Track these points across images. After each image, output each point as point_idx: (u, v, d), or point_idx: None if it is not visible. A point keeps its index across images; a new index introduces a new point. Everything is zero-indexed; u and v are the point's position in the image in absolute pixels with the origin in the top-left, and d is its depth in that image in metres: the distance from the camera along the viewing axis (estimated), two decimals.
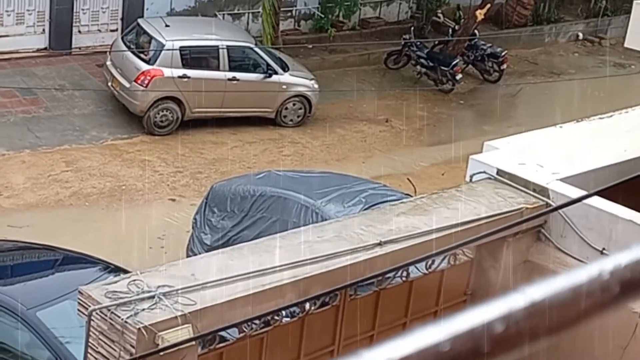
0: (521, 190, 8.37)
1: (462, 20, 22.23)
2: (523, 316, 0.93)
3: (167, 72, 16.66)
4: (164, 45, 16.69)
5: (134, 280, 6.31)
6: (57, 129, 16.44)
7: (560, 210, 8.09)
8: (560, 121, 10.09)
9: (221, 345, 6.86)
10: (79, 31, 18.98)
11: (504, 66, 21.22)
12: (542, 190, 8.33)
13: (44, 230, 13.14)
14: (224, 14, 20.29)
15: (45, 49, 18.65)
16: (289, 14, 20.97)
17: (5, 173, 14.94)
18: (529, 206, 8.16)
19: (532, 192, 8.35)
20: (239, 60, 17.38)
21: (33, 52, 18.48)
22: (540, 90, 20.98)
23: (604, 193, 7.18)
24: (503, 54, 21.11)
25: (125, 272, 8.56)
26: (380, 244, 7.21)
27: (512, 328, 0.92)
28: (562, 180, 8.45)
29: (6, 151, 15.56)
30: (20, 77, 17.68)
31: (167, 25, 17.15)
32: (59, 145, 15.99)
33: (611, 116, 10.20)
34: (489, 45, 21.30)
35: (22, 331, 9.01)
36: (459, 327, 0.90)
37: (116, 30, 19.17)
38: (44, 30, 18.68)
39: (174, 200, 14.94)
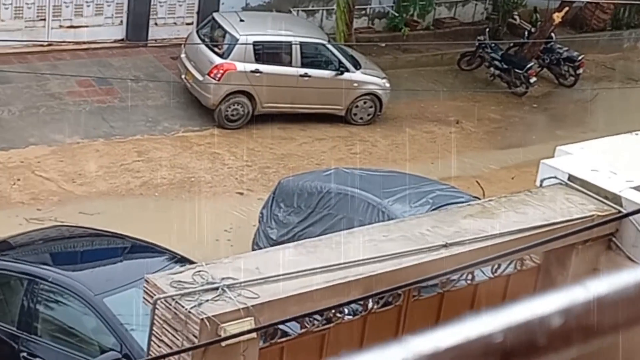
0: (593, 197, 8.24)
1: (539, 22, 21.93)
2: (581, 311, 0.91)
3: (240, 66, 16.77)
4: (237, 40, 16.80)
5: (199, 271, 6.37)
6: (131, 119, 16.67)
7: (632, 219, 7.94)
8: (636, 128, 9.90)
9: (283, 339, 6.88)
10: (156, 23, 19.22)
11: (580, 70, 20.87)
12: (615, 198, 8.18)
13: (114, 218, 13.35)
14: (298, 10, 20.35)
15: (122, 40, 18.94)
16: (363, 12, 20.93)
17: (79, 161, 15.21)
18: (600, 213, 8.03)
19: (604, 200, 8.21)
20: (312, 57, 17.42)
21: (110, 42, 18.77)
22: (617, 97, 20.60)
23: None
24: (580, 58, 20.78)
25: (191, 262, 8.65)
26: (446, 246, 7.16)
27: (568, 323, 0.90)
28: (635, 188, 8.29)
29: (81, 139, 15.84)
30: (97, 67, 17.98)
31: (241, 20, 17.26)
32: (131, 135, 16.22)
33: None
34: (566, 49, 20.98)
35: (89, 316, 9.17)
36: (507, 320, 0.88)
37: (191, 23, 19.36)
38: (121, 21, 18.96)
39: (241, 193, 15.04)
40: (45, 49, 18.02)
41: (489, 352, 0.83)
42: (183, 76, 17.40)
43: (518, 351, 0.86)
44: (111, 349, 8.89)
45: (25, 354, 9.28)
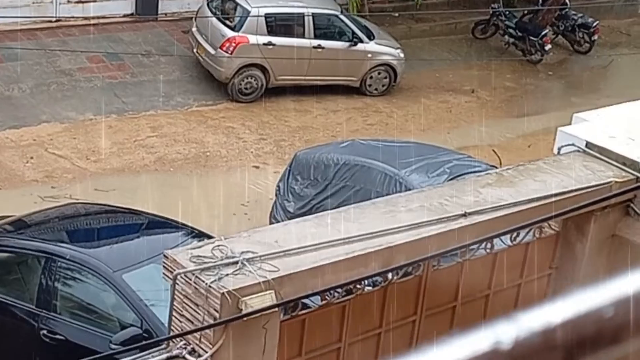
0: (611, 164, 8.18)
1: None
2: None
3: (252, 39, 16.70)
4: (249, 12, 16.73)
5: (218, 245, 6.36)
6: (143, 95, 16.65)
7: None
8: None
9: (303, 312, 6.88)
10: None
11: (595, 37, 20.71)
12: (633, 164, 8.12)
13: (129, 194, 13.37)
14: None
15: (132, 14, 18.86)
16: None
17: (92, 137, 15.22)
18: (618, 180, 7.97)
19: (622, 166, 8.14)
20: (324, 28, 17.32)
21: (120, 17, 18.71)
22: (633, 62, 20.44)
23: None
24: (594, 24, 20.60)
25: (209, 237, 8.65)
26: (465, 215, 7.12)
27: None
28: None
29: (93, 116, 15.84)
30: (107, 42, 17.93)
31: None
32: (144, 111, 16.20)
33: None
34: (580, 15, 20.81)
35: (108, 293, 9.19)
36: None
37: None
38: None
39: (257, 167, 15.03)
40: (54, 24, 17.97)
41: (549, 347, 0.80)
42: (195, 50, 17.34)
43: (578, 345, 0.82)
44: (131, 325, 8.92)
45: (45, 332, 9.32)
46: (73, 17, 18.17)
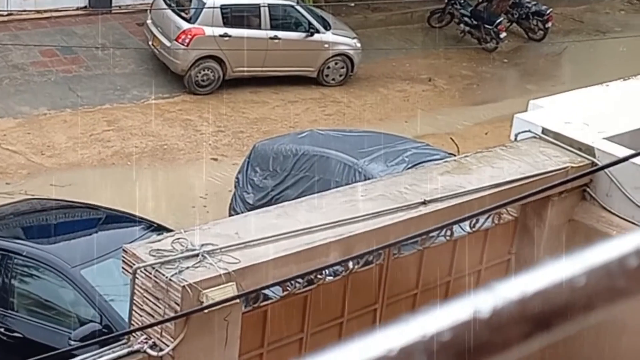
0: (566, 149, 8.27)
1: None
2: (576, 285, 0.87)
3: (208, 30, 16.60)
4: (204, 3, 16.62)
5: (178, 238, 6.32)
6: (98, 88, 16.49)
7: (606, 169, 7.97)
8: (606, 80, 9.91)
9: (265, 303, 6.87)
10: None
11: (549, 24, 20.88)
12: (588, 149, 8.21)
13: (86, 189, 13.24)
14: None
15: (85, 7, 18.66)
16: None
17: (47, 132, 15.04)
18: (574, 165, 8.06)
19: (577, 151, 8.24)
20: (281, 19, 17.27)
21: (73, 10, 18.49)
22: (586, 49, 20.64)
23: None
24: (548, 11, 20.77)
25: (169, 230, 8.59)
26: (424, 203, 7.15)
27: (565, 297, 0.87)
28: (608, 139, 8.32)
29: (48, 110, 15.65)
30: (61, 35, 17.72)
31: None
32: (100, 105, 16.04)
33: None
34: (534, 3, 20.96)
35: (66, 289, 9.10)
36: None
37: None
38: None
39: (216, 159, 14.96)
40: (6, 18, 17.71)
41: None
42: (150, 43, 17.20)
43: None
44: (91, 321, 8.84)
45: (2, 330, 9.21)
46: (25, 11, 17.93)
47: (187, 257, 6.15)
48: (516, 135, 8.59)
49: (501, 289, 0.83)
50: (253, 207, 11.06)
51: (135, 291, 6.31)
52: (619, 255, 0.86)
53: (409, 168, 10.30)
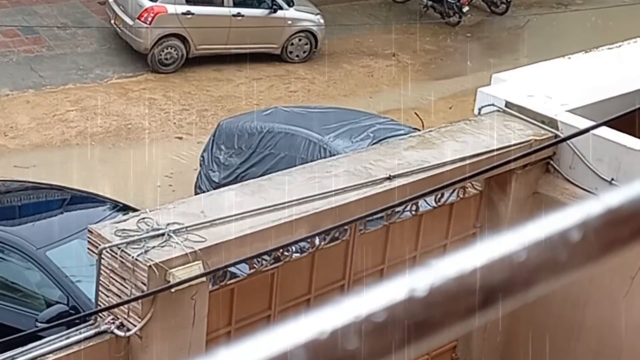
0: (530, 122, 8.33)
1: None
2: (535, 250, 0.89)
3: (171, 8, 16.49)
4: None
5: (144, 218, 6.31)
6: (61, 68, 16.33)
7: (569, 142, 8.04)
8: (568, 52, 9.98)
9: (232, 281, 6.88)
10: None
11: None
12: (551, 122, 8.28)
13: (50, 170, 13.14)
14: None
15: None
16: None
17: (9, 113, 14.89)
18: (537, 138, 8.12)
19: (540, 124, 8.30)
20: None
21: None
22: (548, 22, 20.74)
23: (612, 123, 7.13)
24: None
25: (134, 210, 8.57)
26: (389, 178, 7.18)
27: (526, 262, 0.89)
28: (570, 111, 8.39)
29: (10, 91, 15.49)
30: (22, 15, 17.51)
31: None
32: (63, 85, 15.90)
33: (619, 46, 10.09)
34: None
35: (32, 271, 9.05)
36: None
37: None
38: None
39: (180, 138, 14.90)
40: None
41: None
42: (112, 21, 17.05)
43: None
44: (57, 302, 8.80)
45: None
46: None
47: (153, 237, 6.14)
48: (480, 109, 8.64)
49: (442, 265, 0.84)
50: (219, 185, 11.04)
51: (102, 272, 6.29)
52: (564, 227, 0.88)
53: (373, 144, 10.33)
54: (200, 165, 12.50)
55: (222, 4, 16.92)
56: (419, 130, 10.78)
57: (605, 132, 7.82)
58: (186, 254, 6.08)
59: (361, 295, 0.78)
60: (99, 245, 6.21)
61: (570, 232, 0.85)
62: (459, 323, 0.80)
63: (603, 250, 0.85)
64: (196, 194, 11.61)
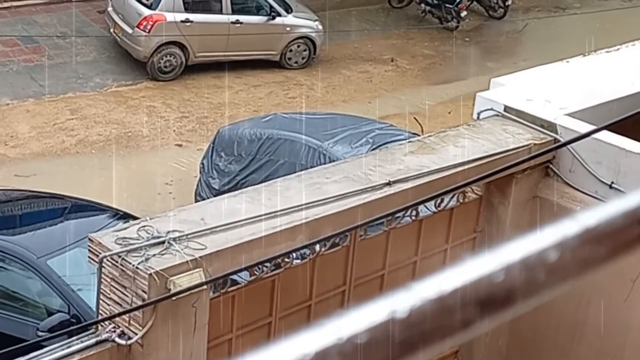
0: (529, 126, 8.33)
1: None
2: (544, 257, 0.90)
3: (170, 16, 16.51)
4: None
5: (144, 226, 6.31)
6: (61, 77, 16.35)
7: (568, 145, 8.05)
8: (566, 56, 9.99)
9: (233, 288, 6.88)
10: None
11: (509, 2, 20.98)
12: (550, 126, 8.29)
13: (51, 178, 13.15)
14: None
15: None
16: None
17: (10, 122, 14.91)
18: (537, 142, 8.13)
19: (540, 128, 8.31)
20: (242, 3, 17.22)
21: None
22: (546, 26, 20.77)
23: (612, 127, 7.13)
24: None
25: (135, 218, 8.57)
26: (389, 184, 7.19)
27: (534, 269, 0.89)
28: (569, 115, 8.39)
29: (10, 100, 15.50)
30: (21, 25, 17.54)
31: None
32: (63, 94, 15.92)
33: (618, 49, 10.10)
34: None
35: (33, 280, 9.05)
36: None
37: None
38: None
39: (180, 145, 14.91)
40: None
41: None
42: (112, 30, 17.08)
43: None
44: (59, 311, 8.80)
45: None
46: None
47: (154, 245, 6.15)
48: (479, 114, 8.65)
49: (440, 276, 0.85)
50: (219, 193, 11.05)
51: (102, 280, 6.30)
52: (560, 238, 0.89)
53: (373, 149, 10.34)
54: (200, 173, 12.51)
55: (220, 12, 16.94)
56: (419, 135, 10.78)
57: (604, 135, 7.82)
58: (187, 262, 6.08)
59: (344, 317, 0.79)
60: (100, 253, 6.22)
61: (548, 252, 0.86)
62: (441, 342, 0.81)
63: (579, 269, 0.86)
64: (196, 201, 11.62)
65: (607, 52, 10.00)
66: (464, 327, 0.81)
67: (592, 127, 7.80)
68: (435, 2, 20.13)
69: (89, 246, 6.35)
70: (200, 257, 6.13)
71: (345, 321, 0.78)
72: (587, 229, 0.88)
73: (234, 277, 6.97)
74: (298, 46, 17.64)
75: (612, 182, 7.98)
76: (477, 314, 0.82)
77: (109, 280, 6.25)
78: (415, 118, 15.64)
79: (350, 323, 0.78)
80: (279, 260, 6.95)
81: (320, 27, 17.81)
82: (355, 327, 0.78)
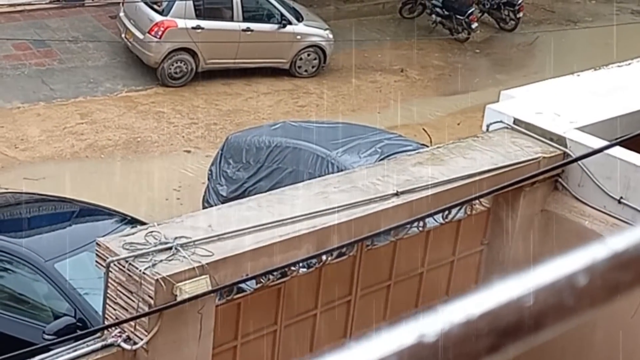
0: (538, 140, 8.32)
1: None
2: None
3: (181, 23, 16.56)
4: None
5: (152, 231, 6.32)
6: (72, 81, 16.41)
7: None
8: (577, 70, 9.99)
9: (239, 295, 6.88)
10: None
11: (520, 14, 20.98)
12: (560, 139, 8.27)
13: (60, 182, 13.18)
14: None
15: (58, 0, 18.55)
16: None
17: (20, 125, 14.95)
18: (546, 155, 8.11)
19: (549, 141, 8.29)
20: (253, 11, 17.26)
21: (46, 3, 18.38)
22: (557, 39, 20.75)
23: (621, 141, 7.13)
24: (519, 2, 20.87)
25: (142, 223, 8.58)
26: (397, 194, 7.18)
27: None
28: (579, 129, 8.38)
29: (21, 104, 15.56)
30: (34, 29, 17.61)
31: None
32: (73, 98, 15.97)
33: (629, 64, 10.09)
34: None
35: (40, 283, 9.07)
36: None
37: None
38: None
39: (189, 151, 14.94)
40: None
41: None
42: (123, 35, 17.13)
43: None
44: (65, 314, 8.82)
45: None
46: None
47: (161, 250, 6.15)
48: (488, 126, 8.64)
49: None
50: (226, 200, 11.06)
51: (109, 284, 6.31)
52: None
53: (381, 159, 10.33)
54: (208, 179, 12.52)
55: (231, 19, 16.98)
56: (427, 146, 10.78)
57: (614, 150, 7.81)
58: (193, 268, 6.09)
59: (371, 340, 0.79)
60: (107, 258, 6.23)
61: (577, 277, 0.86)
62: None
63: (608, 294, 0.86)
64: (204, 207, 11.63)
65: (619, 66, 9.99)
66: (489, 352, 0.81)
67: (601, 142, 7.79)
68: (446, 13, 20.14)
69: (97, 250, 6.36)
70: (206, 263, 6.14)
71: (373, 344, 0.78)
72: (616, 253, 0.87)
73: (240, 284, 6.97)
74: (308, 55, 17.66)
75: (621, 197, 7.96)
76: (503, 339, 0.82)
77: (115, 284, 6.26)
78: (424, 129, 15.64)
79: (378, 346, 0.78)
80: (285, 268, 6.95)
81: (330, 36, 17.84)
82: (383, 350, 0.78)
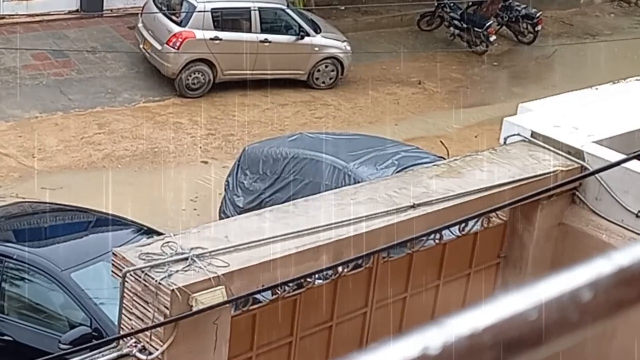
0: (556, 153, 8.28)
1: None
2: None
3: (199, 34, 16.61)
4: (195, 7, 16.63)
5: (168, 242, 6.33)
6: (89, 91, 16.48)
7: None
8: (595, 83, 9.95)
9: (254, 306, 6.88)
10: None
11: (539, 27, 20.94)
12: (577, 153, 8.23)
13: (77, 192, 13.23)
14: None
15: (77, 10, 18.66)
16: None
17: (38, 135, 15.03)
18: (563, 168, 8.08)
19: (566, 155, 8.25)
20: (271, 22, 17.30)
21: (65, 14, 18.49)
22: (575, 52, 20.71)
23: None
24: (538, 15, 20.83)
25: (158, 234, 8.60)
26: (413, 207, 7.16)
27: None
28: (597, 142, 8.34)
29: (39, 113, 15.64)
30: (52, 39, 17.71)
31: None
32: (91, 108, 16.04)
33: None
34: (524, 6, 21.02)
35: (56, 292, 9.09)
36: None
37: None
38: None
39: (206, 162, 14.97)
40: None
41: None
42: (141, 46, 17.21)
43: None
44: (81, 324, 8.84)
45: None
46: (17, 15, 17.91)
47: (177, 261, 6.16)
48: (505, 139, 8.61)
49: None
50: (243, 210, 11.07)
51: (125, 294, 6.31)
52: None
53: (398, 171, 10.32)
54: (225, 190, 12.54)
55: (249, 30, 17.03)
56: (444, 158, 10.76)
57: (632, 164, 7.77)
58: (209, 279, 6.09)
59: (375, 353, 0.78)
60: (123, 268, 6.24)
61: (582, 292, 0.85)
62: None
63: (613, 310, 0.85)
64: (220, 218, 11.64)
65: (637, 80, 9.95)
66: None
67: (619, 155, 7.75)
68: (464, 25, 20.13)
69: (113, 260, 6.37)
70: (222, 274, 6.14)
71: (378, 356, 0.77)
72: (621, 269, 0.86)
73: (256, 295, 6.96)
74: (326, 66, 17.68)
75: (639, 212, 7.92)
76: (507, 353, 0.81)
77: (131, 294, 6.26)
78: (441, 141, 15.62)
79: (383, 357, 0.77)
80: (301, 279, 6.94)
81: (348, 47, 17.86)
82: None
